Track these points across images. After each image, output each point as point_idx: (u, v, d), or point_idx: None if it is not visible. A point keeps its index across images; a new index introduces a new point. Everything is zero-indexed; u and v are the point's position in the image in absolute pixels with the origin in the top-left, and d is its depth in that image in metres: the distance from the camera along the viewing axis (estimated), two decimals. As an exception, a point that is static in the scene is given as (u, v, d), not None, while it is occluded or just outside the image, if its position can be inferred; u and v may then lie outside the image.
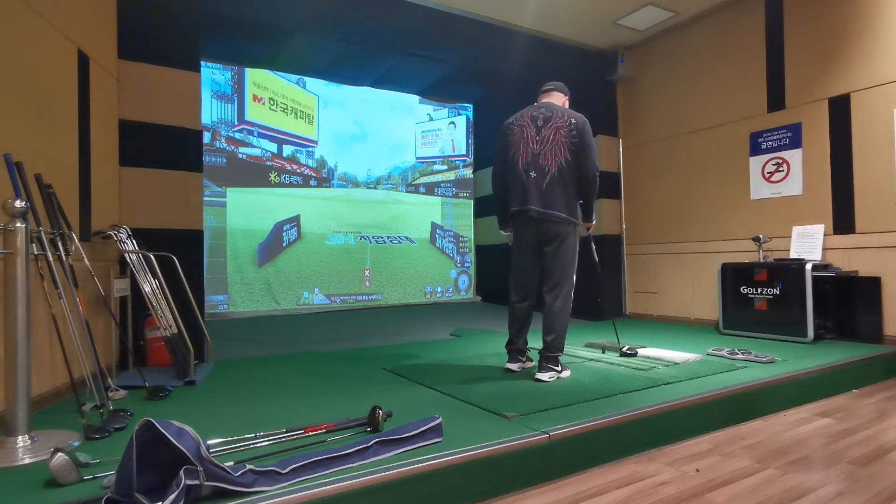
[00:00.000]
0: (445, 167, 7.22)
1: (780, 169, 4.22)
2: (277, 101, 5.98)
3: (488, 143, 6.91)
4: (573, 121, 2.73)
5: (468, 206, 7.38)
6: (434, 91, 6.83)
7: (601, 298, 5.15)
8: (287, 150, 6.04)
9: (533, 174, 2.73)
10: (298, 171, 6.12)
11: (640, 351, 3.31)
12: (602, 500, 1.67)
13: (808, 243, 3.96)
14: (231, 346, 3.92)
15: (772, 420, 2.46)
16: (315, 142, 6.24)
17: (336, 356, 3.52)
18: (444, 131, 7.21)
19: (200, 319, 3.21)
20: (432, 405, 2.26)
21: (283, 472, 1.47)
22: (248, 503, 1.37)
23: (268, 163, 5.90)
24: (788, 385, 2.68)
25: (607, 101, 5.54)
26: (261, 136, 5.86)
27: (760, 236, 4.17)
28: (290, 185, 6.05)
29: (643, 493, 1.71)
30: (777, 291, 3.83)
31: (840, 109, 3.86)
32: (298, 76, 6.09)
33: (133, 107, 3.23)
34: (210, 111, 5.55)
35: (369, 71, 6.02)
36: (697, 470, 1.88)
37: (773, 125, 4.27)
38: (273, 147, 5.94)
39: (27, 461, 1.71)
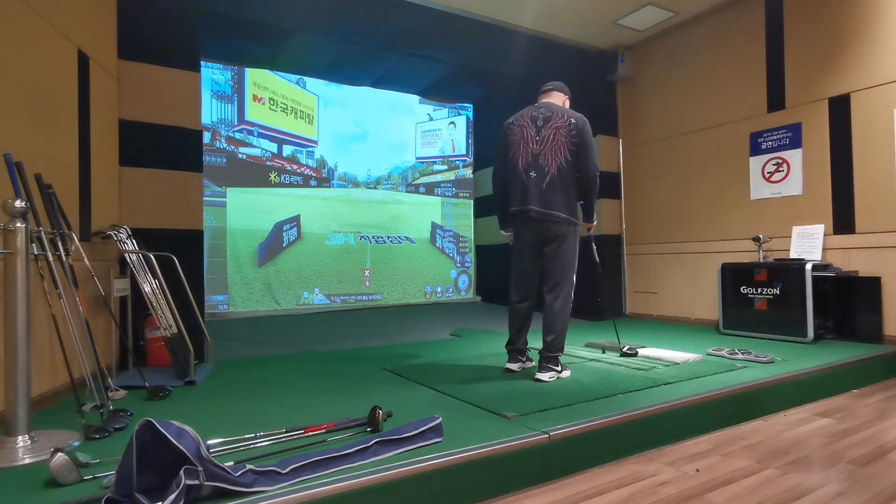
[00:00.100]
0: (445, 167, 7.22)
1: (780, 169, 4.22)
2: (277, 101, 5.98)
3: (488, 143, 6.91)
4: (573, 121, 2.73)
5: (468, 206, 7.38)
6: (434, 91, 6.83)
7: (601, 298, 5.16)
8: (287, 150, 6.04)
9: (533, 174, 2.73)
10: (298, 171, 6.12)
11: (640, 351, 3.31)
12: (602, 500, 1.67)
13: (808, 243, 3.96)
14: (231, 346, 3.92)
15: (772, 420, 2.46)
16: (315, 142, 6.24)
17: (336, 356, 3.52)
18: (444, 131, 7.21)
19: (200, 319, 3.21)
20: (432, 405, 2.26)
21: (283, 472, 1.47)
22: (247, 503, 1.37)
23: (268, 163, 5.90)
24: (788, 385, 2.68)
25: (607, 101, 5.54)
26: (261, 136, 5.86)
27: (760, 236, 4.17)
28: (290, 185, 6.05)
29: (643, 493, 1.71)
30: (777, 291, 3.83)
31: (840, 109, 3.86)
32: (298, 76, 6.09)
33: (133, 107, 3.23)
34: (210, 111, 5.55)
35: (369, 71, 6.02)
36: (697, 470, 1.88)
37: (773, 125, 4.27)
38: (273, 147, 5.94)
39: (27, 461, 1.71)
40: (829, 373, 2.90)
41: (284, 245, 5.98)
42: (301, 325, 5.13)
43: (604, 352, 3.42)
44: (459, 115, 7.31)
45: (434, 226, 7.10)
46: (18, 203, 1.85)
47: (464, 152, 7.34)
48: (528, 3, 4.41)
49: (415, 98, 6.96)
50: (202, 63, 4.46)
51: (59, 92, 2.55)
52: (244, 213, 5.73)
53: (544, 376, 2.63)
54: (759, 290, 3.94)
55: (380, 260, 6.60)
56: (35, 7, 2.35)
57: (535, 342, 2.97)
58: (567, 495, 1.70)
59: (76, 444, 1.86)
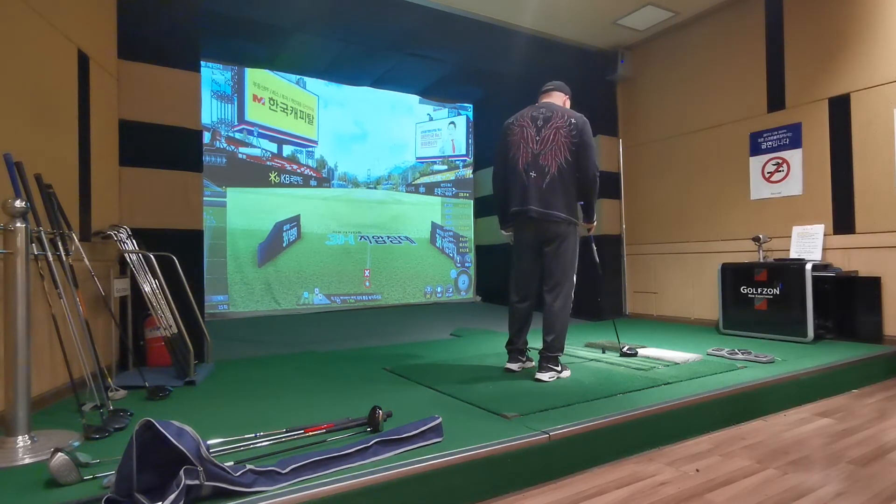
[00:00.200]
0: (445, 167, 7.22)
1: (780, 169, 4.22)
2: (277, 101, 5.98)
3: (488, 143, 6.91)
4: (573, 121, 2.72)
5: (468, 206, 7.38)
6: (434, 91, 6.83)
7: (601, 298, 5.16)
8: (287, 150, 6.04)
9: (533, 174, 2.73)
10: (298, 171, 6.12)
11: (640, 351, 3.31)
12: (602, 500, 1.67)
13: (808, 243, 3.96)
14: (231, 346, 3.92)
15: (772, 420, 2.46)
16: (315, 142, 6.24)
17: (336, 356, 3.52)
18: (444, 131, 7.21)
19: (200, 319, 3.21)
20: (432, 405, 2.26)
21: (283, 472, 1.47)
22: (247, 503, 1.37)
23: (268, 163, 5.90)
24: (788, 385, 2.68)
25: (607, 101, 5.54)
26: (261, 136, 5.86)
27: (760, 236, 4.17)
28: (290, 185, 6.05)
29: (643, 493, 1.71)
30: (777, 291, 3.83)
31: (840, 109, 3.86)
32: (298, 76, 6.09)
33: (133, 107, 3.23)
34: (210, 111, 5.55)
35: (369, 71, 6.02)
36: (697, 470, 1.88)
37: (773, 125, 4.27)
38: (273, 147, 5.94)
39: (27, 461, 1.71)
40: (829, 373, 2.90)
41: (284, 245, 5.98)
42: (301, 325, 5.13)
43: (604, 352, 3.42)
44: (459, 115, 7.31)
45: (434, 226, 7.10)
46: (18, 203, 1.85)
47: (464, 152, 7.34)
48: (528, 3, 4.41)
49: (415, 98, 6.96)
50: (202, 63, 4.46)
51: (59, 92, 2.55)
52: (244, 213, 5.73)
53: (544, 376, 2.63)
54: (759, 290, 3.94)
55: (380, 260, 6.60)
56: (35, 7, 2.35)
57: (535, 342, 2.97)
58: (567, 495, 1.70)
59: (76, 444, 1.86)
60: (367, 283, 6.48)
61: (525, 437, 1.81)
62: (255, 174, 5.81)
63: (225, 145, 5.63)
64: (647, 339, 3.92)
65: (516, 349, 2.89)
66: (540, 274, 2.83)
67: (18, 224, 1.86)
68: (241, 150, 5.73)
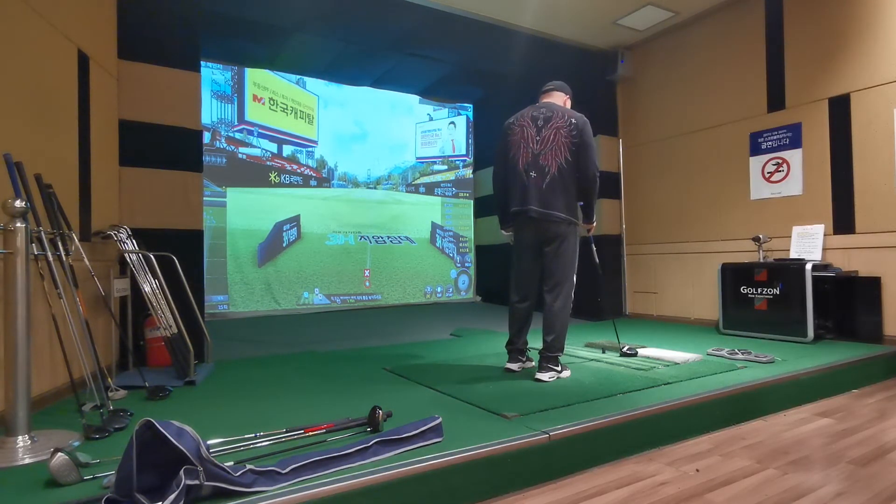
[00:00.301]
0: (445, 167, 7.22)
1: (780, 169, 4.22)
2: (277, 101, 5.98)
3: (488, 143, 6.91)
4: (573, 121, 2.72)
5: (468, 206, 7.38)
6: (434, 91, 6.83)
7: (601, 298, 5.15)
8: (287, 150, 6.04)
9: (533, 174, 2.73)
10: (298, 171, 6.12)
11: (640, 351, 3.31)
12: (602, 500, 1.67)
13: (808, 243, 3.96)
14: (231, 346, 3.92)
15: (772, 420, 2.46)
16: (315, 142, 6.24)
17: (336, 356, 3.52)
18: (444, 131, 7.21)
19: (200, 319, 3.21)
20: (432, 405, 2.26)
21: (283, 472, 1.47)
22: (247, 503, 1.37)
23: (268, 163, 5.90)
24: (788, 385, 2.68)
25: (607, 101, 5.54)
26: (261, 136, 5.86)
27: (760, 236, 4.17)
28: (290, 185, 6.05)
29: (643, 493, 1.71)
30: (777, 291, 3.83)
31: (840, 109, 3.86)
32: (298, 76, 6.09)
33: (133, 107, 3.23)
34: (210, 111, 5.55)
35: (369, 71, 6.02)
36: (697, 470, 1.88)
37: (773, 125, 4.27)
38: (273, 147, 5.95)
39: (27, 461, 1.71)
40: (829, 373, 2.90)
41: (284, 245, 5.98)
42: (301, 325, 5.13)
43: (604, 352, 3.42)
44: (459, 115, 7.31)
45: (434, 226, 7.10)
46: (18, 203, 1.85)
47: (464, 152, 7.34)
48: (528, 3, 4.41)
49: (415, 98, 6.96)
50: (202, 63, 4.46)
51: (59, 92, 2.55)
52: (244, 213, 5.73)
53: (544, 376, 2.63)
54: (759, 290, 3.94)
55: (380, 260, 6.60)
56: (35, 7, 2.35)
57: (535, 342, 2.97)
58: (567, 495, 1.70)
59: (76, 444, 1.86)
60: (367, 283, 6.48)
61: (525, 437, 1.81)
62: (255, 174, 5.81)
63: (225, 145, 5.63)
64: (647, 339, 3.92)
65: (516, 349, 2.89)
66: (540, 274, 2.83)
67: (18, 224, 1.86)
68: (241, 150, 5.73)
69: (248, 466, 1.45)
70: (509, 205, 2.84)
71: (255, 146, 5.82)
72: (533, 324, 2.91)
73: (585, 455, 1.93)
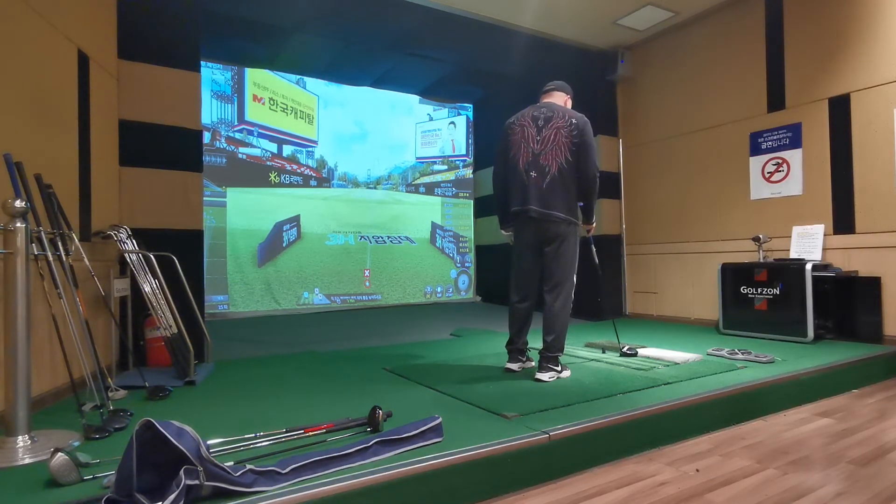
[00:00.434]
0: (445, 167, 7.22)
1: (780, 169, 4.22)
2: (277, 101, 5.98)
3: (488, 143, 6.91)
4: (574, 121, 2.72)
5: (468, 206, 7.38)
6: (434, 91, 6.83)
7: (601, 298, 5.15)
8: (287, 150, 6.04)
9: (533, 174, 2.73)
10: (298, 171, 6.12)
11: (640, 351, 3.31)
12: (602, 500, 1.67)
13: (808, 243, 3.96)
14: (231, 346, 3.92)
15: (772, 420, 2.46)
16: (315, 142, 6.24)
17: (336, 356, 3.52)
18: (444, 131, 7.21)
19: (200, 319, 3.21)
20: (432, 405, 2.26)
21: (283, 472, 1.47)
22: (247, 503, 1.37)
23: (268, 163, 5.90)
24: (788, 385, 2.68)
25: (607, 101, 5.54)
26: (261, 136, 5.86)
27: (760, 236, 4.17)
28: (290, 185, 6.05)
29: (643, 493, 1.71)
30: (777, 291, 3.83)
31: (840, 109, 3.86)
32: (298, 76, 6.09)
33: (133, 107, 3.23)
34: (210, 111, 5.55)
35: (369, 71, 6.02)
36: (697, 470, 1.88)
37: (773, 125, 4.27)
38: (273, 147, 5.95)
39: (27, 461, 1.71)
40: (829, 373, 2.90)
41: (284, 245, 5.98)
42: (301, 325, 5.13)
43: (604, 352, 3.42)
44: (459, 115, 7.31)
45: (434, 226, 7.10)
46: (18, 203, 1.85)
47: (464, 152, 7.34)
48: (528, 3, 4.41)
49: (415, 98, 6.96)
50: (202, 63, 4.46)
51: (59, 92, 2.55)
52: (244, 213, 5.73)
53: (544, 376, 2.63)
54: (759, 290, 3.94)
55: (380, 260, 6.60)
56: (35, 7, 2.35)
57: (535, 342, 2.97)
58: (567, 495, 1.70)
59: (76, 444, 1.86)
60: (367, 283, 6.48)
61: (525, 437, 1.81)
62: (255, 174, 5.81)
63: (225, 145, 5.63)
64: (647, 339, 3.92)
65: (516, 349, 2.89)
66: (540, 274, 2.83)
67: (18, 224, 1.86)
68: (241, 150, 5.73)
69: (248, 466, 1.45)
70: (509, 204, 2.84)
71: (255, 146, 5.82)
72: (533, 324, 2.91)
73: (585, 455, 1.93)
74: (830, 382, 2.88)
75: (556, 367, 2.69)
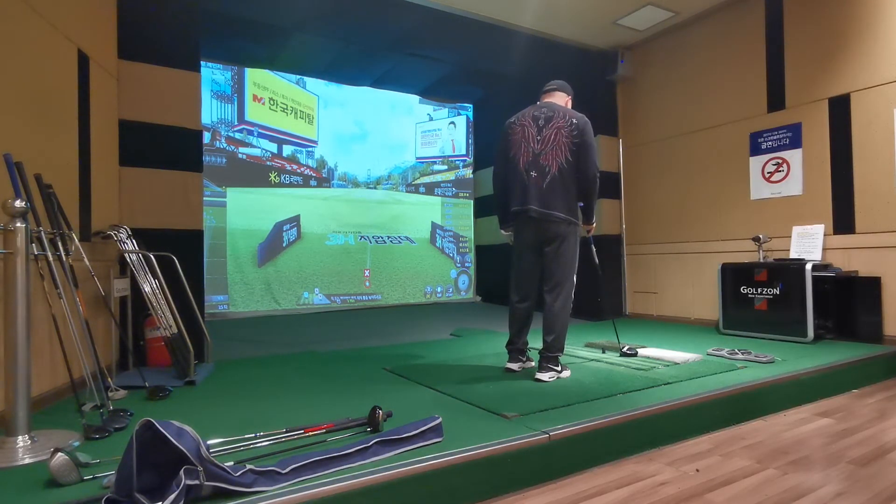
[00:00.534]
0: (445, 167, 7.23)
1: (780, 169, 4.22)
2: (277, 101, 5.98)
3: (488, 143, 6.91)
4: (574, 121, 2.72)
5: (468, 206, 7.38)
6: (434, 91, 6.83)
7: (601, 298, 5.15)
8: (287, 150, 6.04)
9: (533, 174, 2.73)
10: (298, 171, 6.12)
11: (640, 351, 3.31)
12: (602, 500, 1.67)
13: (808, 243, 3.96)
14: (231, 346, 3.92)
15: (772, 420, 2.46)
16: (315, 142, 6.24)
17: (336, 356, 3.52)
18: (444, 131, 7.21)
19: (200, 319, 3.21)
20: (432, 405, 2.26)
21: (283, 472, 1.47)
22: (247, 503, 1.37)
23: (268, 163, 5.90)
24: (788, 385, 2.68)
25: (607, 101, 5.54)
26: (261, 136, 5.86)
27: (760, 236, 4.17)
28: (290, 185, 6.05)
29: (643, 493, 1.71)
30: (777, 291, 3.83)
31: (840, 109, 3.86)
32: (298, 76, 6.09)
33: (133, 107, 3.23)
34: (210, 111, 5.55)
35: (369, 71, 6.02)
36: (697, 470, 1.88)
37: (773, 125, 4.27)
38: (273, 147, 5.95)
39: (27, 461, 1.71)
40: (829, 373, 2.90)
41: (284, 245, 5.98)
42: (301, 325, 5.13)
43: (604, 352, 3.42)
44: (459, 115, 7.31)
45: (434, 226, 7.10)
46: (18, 203, 1.85)
47: (464, 152, 7.34)
48: (528, 3, 4.41)
49: (415, 98, 6.96)
50: (202, 63, 4.46)
51: (59, 92, 2.55)
52: (244, 213, 5.73)
53: (544, 376, 2.63)
54: (759, 290, 3.94)
55: (380, 260, 6.60)
56: (35, 7, 2.35)
57: (535, 342, 2.97)
58: (567, 495, 1.70)
59: (76, 444, 1.86)
60: (367, 283, 6.48)
61: (525, 437, 1.81)
62: (255, 174, 5.81)
63: (225, 145, 5.63)
64: (647, 339, 3.92)
65: (516, 349, 2.89)
66: (540, 274, 2.83)
67: (18, 224, 1.86)
68: (241, 150, 5.73)
69: (248, 466, 1.45)
70: (509, 204, 2.84)
71: (255, 146, 5.82)
72: (533, 324, 2.91)
73: (585, 455, 1.93)
74: (830, 382, 2.88)
75: (556, 367, 2.69)
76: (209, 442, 1.67)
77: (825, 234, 3.91)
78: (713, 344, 3.61)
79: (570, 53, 5.32)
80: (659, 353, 3.24)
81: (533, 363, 2.94)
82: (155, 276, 2.89)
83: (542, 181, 2.71)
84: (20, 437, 1.81)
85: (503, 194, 2.92)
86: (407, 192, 6.93)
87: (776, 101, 4.25)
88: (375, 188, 6.68)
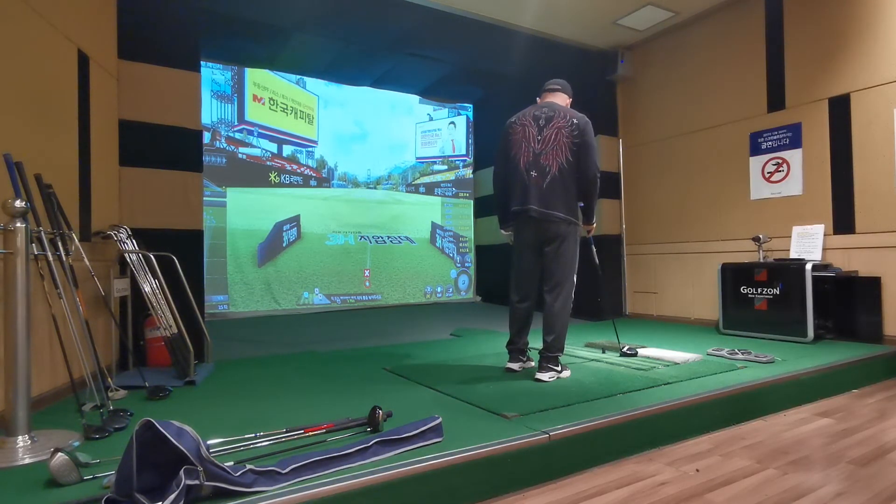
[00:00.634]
0: (445, 167, 7.22)
1: (780, 169, 4.22)
2: (277, 101, 5.98)
3: (488, 143, 6.91)
4: (575, 121, 2.72)
5: (468, 206, 7.38)
6: (434, 91, 6.83)
7: (601, 298, 5.15)
8: (287, 150, 6.04)
9: (534, 174, 2.73)
10: (298, 171, 6.12)
11: (640, 351, 3.31)
12: (602, 500, 1.67)
13: (808, 243, 3.96)
14: (231, 346, 3.92)
15: (772, 420, 2.46)
16: (315, 142, 6.24)
17: (336, 356, 3.52)
18: (444, 131, 7.21)
19: (200, 319, 3.21)
20: (432, 405, 2.26)
21: (283, 472, 1.47)
22: (248, 503, 1.37)
23: (268, 163, 5.90)
24: (788, 385, 2.68)
25: (607, 101, 5.54)
26: (261, 136, 5.86)
27: (760, 236, 4.17)
28: (290, 185, 6.05)
29: (643, 493, 1.71)
30: (777, 291, 3.83)
31: (840, 109, 3.86)
32: (298, 76, 6.09)
33: (133, 107, 3.23)
34: (210, 111, 5.55)
35: (369, 71, 6.02)
36: (697, 470, 1.88)
37: (773, 125, 4.27)
38: (273, 147, 5.94)
39: (27, 461, 1.71)
40: (829, 373, 2.90)
41: (284, 245, 5.98)
42: (301, 325, 5.13)
43: (604, 352, 3.42)
44: (459, 115, 7.31)
45: (434, 226, 7.10)
46: (18, 203, 1.85)
47: (464, 152, 7.34)
48: (528, 3, 4.41)
49: (415, 98, 6.96)
50: (202, 63, 4.46)
51: (59, 92, 2.55)
52: (244, 213, 5.73)
53: (544, 376, 2.63)
54: (759, 290, 3.94)
55: (380, 260, 6.60)
56: (35, 7, 2.35)
57: (535, 342, 2.97)
58: (567, 495, 1.70)
59: (76, 444, 1.86)
60: (367, 283, 6.48)
61: (525, 437, 1.81)
62: (255, 174, 5.81)
63: (225, 145, 5.63)
64: (647, 339, 3.92)
65: (517, 349, 2.89)
66: (540, 274, 2.83)
67: (18, 224, 1.86)
68: (241, 150, 5.73)
69: (248, 466, 1.45)
70: (509, 204, 2.83)
71: (255, 146, 5.81)
72: (533, 324, 2.91)
73: (585, 455, 1.93)
74: (830, 382, 2.88)
75: (556, 367, 2.69)
76: (209, 442, 1.67)
77: (825, 234, 3.91)
78: (713, 344, 3.61)
79: (570, 53, 5.32)
80: (659, 353, 3.24)
81: (533, 363, 2.94)
82: (155, 276, 2.89)
83: (542, 181, 2.71)
84: (20, 437, 1.81)
85: (503, 194, 2.92)
86: (407, 192, 6.93)
87: (776, 101, 4.25)
88: (375, 188, 6.68)
